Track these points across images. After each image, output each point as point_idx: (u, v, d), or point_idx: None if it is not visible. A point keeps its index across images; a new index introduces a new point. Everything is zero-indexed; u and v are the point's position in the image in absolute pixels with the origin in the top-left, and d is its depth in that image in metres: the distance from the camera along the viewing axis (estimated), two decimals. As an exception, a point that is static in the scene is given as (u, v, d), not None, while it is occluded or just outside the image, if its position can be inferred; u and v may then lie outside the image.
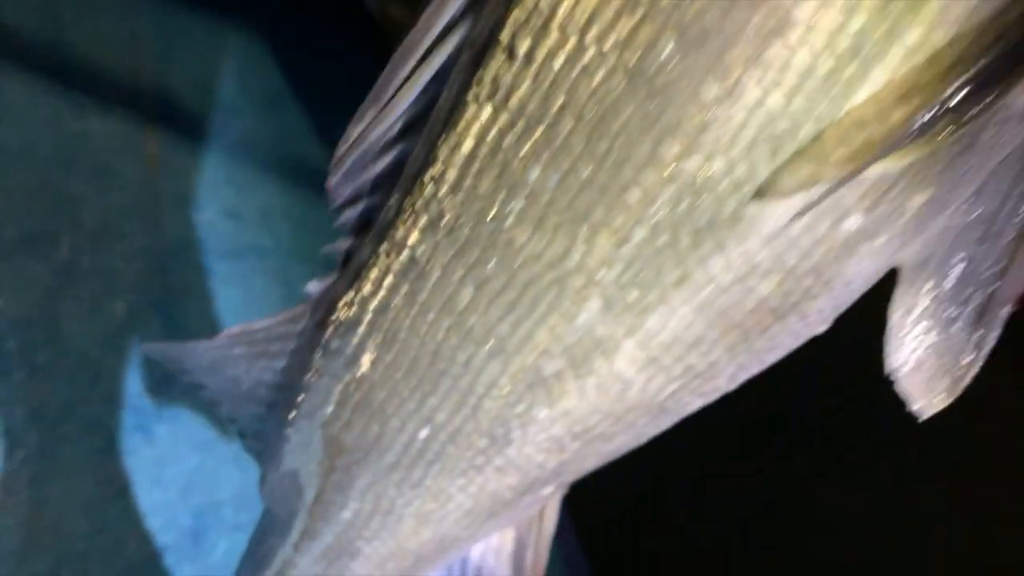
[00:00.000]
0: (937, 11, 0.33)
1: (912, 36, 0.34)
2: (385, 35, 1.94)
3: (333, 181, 0.51)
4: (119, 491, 1.18)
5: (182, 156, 1.49)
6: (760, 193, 0.38)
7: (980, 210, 0.40)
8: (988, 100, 0.33)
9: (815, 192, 0.37)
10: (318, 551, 0.60)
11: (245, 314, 1.43)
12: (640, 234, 0.41)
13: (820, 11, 0.34)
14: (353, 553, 0.59)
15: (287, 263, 1.55)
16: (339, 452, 0.56)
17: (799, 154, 0.37)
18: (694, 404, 0.49)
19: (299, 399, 0.57)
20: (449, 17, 0.44)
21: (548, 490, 0.55)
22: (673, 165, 0.38)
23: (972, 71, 0.33)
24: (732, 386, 0.47)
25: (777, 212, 0.39)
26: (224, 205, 1.50)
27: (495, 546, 0.62)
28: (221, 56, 1.64)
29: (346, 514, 0.58)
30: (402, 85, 0.47)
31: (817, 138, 0.36)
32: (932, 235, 0.41)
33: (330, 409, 0.55)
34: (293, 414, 0.58)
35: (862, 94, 0.35)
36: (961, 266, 0.42)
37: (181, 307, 1.34)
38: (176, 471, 1.24)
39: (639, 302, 0.42)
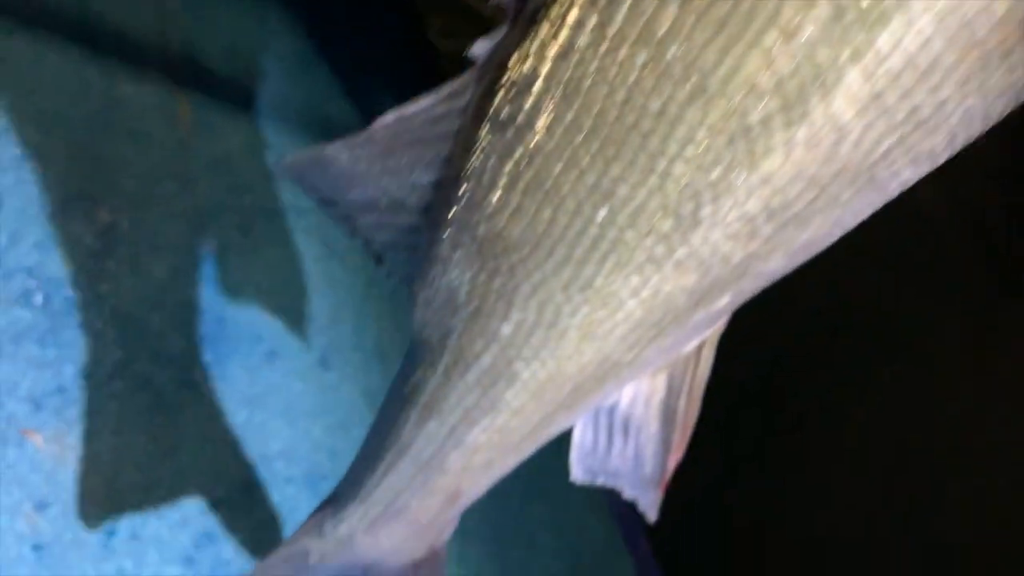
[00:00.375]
0: None
1: None
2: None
3: None
4: (170, 447, 1.19)
5: (215, 120, 1.49)
6: None
7: None
8: None
9: None
10: (472, 377, 0.54)
11: (284, 272, 1.44)
12: None
13: None
14: (510, 377, 0.53)
15: (324, 221, 1.54)
16: (504, 250, 0.49)
17: None
18: (904, 175, 0.43)
19: (460, 191, 0.49)
20: None
21: (723, 301, 0.49)
22: None
23: None
24: (947, 154, 0.42)
25: None
26: (259, 166, 1.51)
27: (645, 393, 0.57)
28: (249, 22, 1.65)
29: (506, 328, 0.51)
30: None
31: None
32: None
33: (496, 195, 0.48)
34: (452, 211, 0.50)
35: None
36: None
37: (222, 266, 1.35)
38: (225, 426, 1.24)
39: (874, 7, 0.36)
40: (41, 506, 1.05)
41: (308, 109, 1.66)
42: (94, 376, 1.16)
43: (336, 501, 0.67)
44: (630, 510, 1.74)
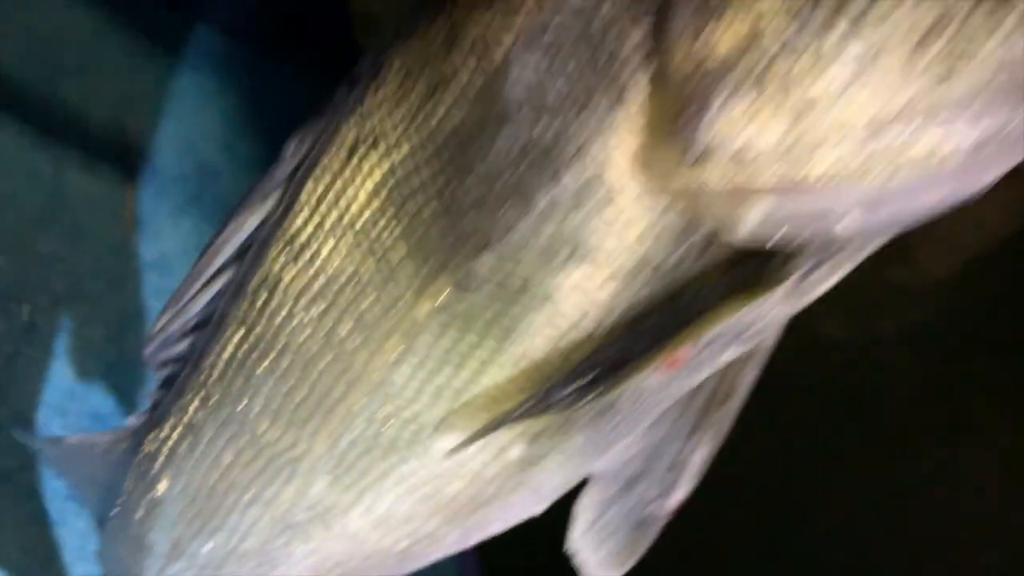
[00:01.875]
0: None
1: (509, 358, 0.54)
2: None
3: (148, 351, 0.71)
4: (47, 559, 1.21)
5: (159, 219, 1.52)
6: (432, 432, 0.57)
7: (642, 446, 0.60)
8: (588, 397, 0.49)
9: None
10: None
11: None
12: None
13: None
14: None
15: (243, 338, 1.58)
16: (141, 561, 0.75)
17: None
18: (430, 555, 0.66)
19: (115, 507, 0.76)
20: (223, 260, 0.67)
21: None
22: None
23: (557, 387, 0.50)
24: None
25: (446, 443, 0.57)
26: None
27: None
28: (214, 118, 1.68)
29: None
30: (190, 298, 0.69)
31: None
32: (606, 458, 0.60)
33: (136, 517, 0.73)
34: (112, 514, 0.77)
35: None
36: (629, 486, 0.61)
37: (132, 376, 1.37)
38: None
39: (357, 482, 0.61)
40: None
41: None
42: (-19, 482, 1.17)
43: None
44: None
